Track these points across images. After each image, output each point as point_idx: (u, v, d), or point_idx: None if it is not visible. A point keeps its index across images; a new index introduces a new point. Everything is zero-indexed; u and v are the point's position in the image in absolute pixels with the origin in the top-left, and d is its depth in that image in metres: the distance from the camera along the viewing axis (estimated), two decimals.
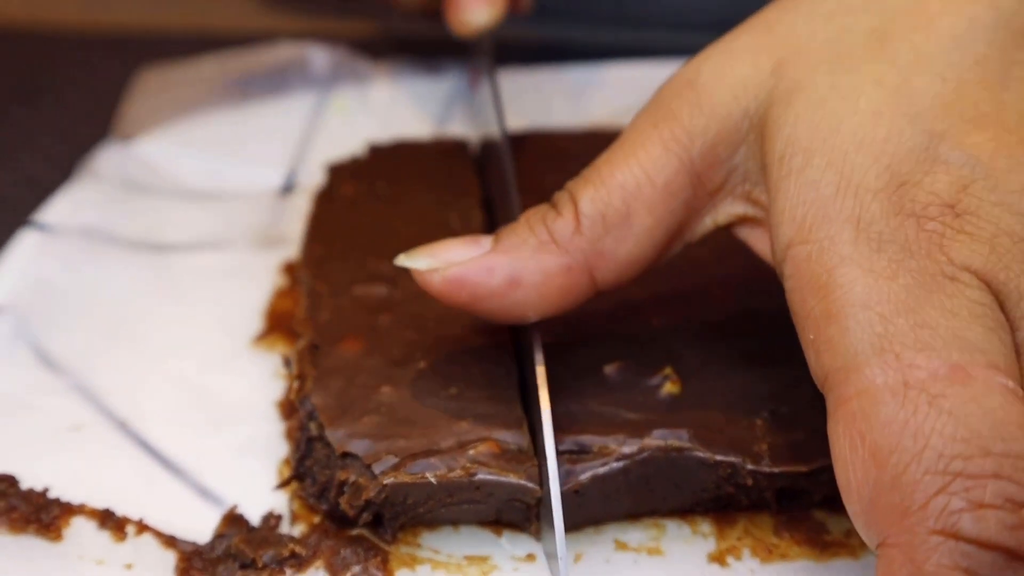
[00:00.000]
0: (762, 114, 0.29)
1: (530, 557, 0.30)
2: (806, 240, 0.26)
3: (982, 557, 0.22)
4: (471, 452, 0.30)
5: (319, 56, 0.55)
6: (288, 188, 0.49)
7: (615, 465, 0.30)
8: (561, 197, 0.32)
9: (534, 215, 0.31)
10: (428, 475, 0.30)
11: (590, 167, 0.32)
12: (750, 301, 0.36)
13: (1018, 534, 0.22)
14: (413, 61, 0.56)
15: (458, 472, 0.30)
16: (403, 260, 0.31)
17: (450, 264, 0.30)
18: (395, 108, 0.54)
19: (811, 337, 0.26)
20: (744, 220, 0.31)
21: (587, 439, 0.31)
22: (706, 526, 0.31)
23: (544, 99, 0.56)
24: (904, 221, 0.25)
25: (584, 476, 0.30)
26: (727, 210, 0.31)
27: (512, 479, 0.30)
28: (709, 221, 0.31)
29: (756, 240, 0.31)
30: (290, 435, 0.35)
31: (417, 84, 0.55)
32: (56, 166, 0.53)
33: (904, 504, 0.22)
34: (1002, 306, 0.25)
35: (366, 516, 0.30)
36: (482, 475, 0.30)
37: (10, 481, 0.29)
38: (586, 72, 0.57)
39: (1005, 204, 0.25)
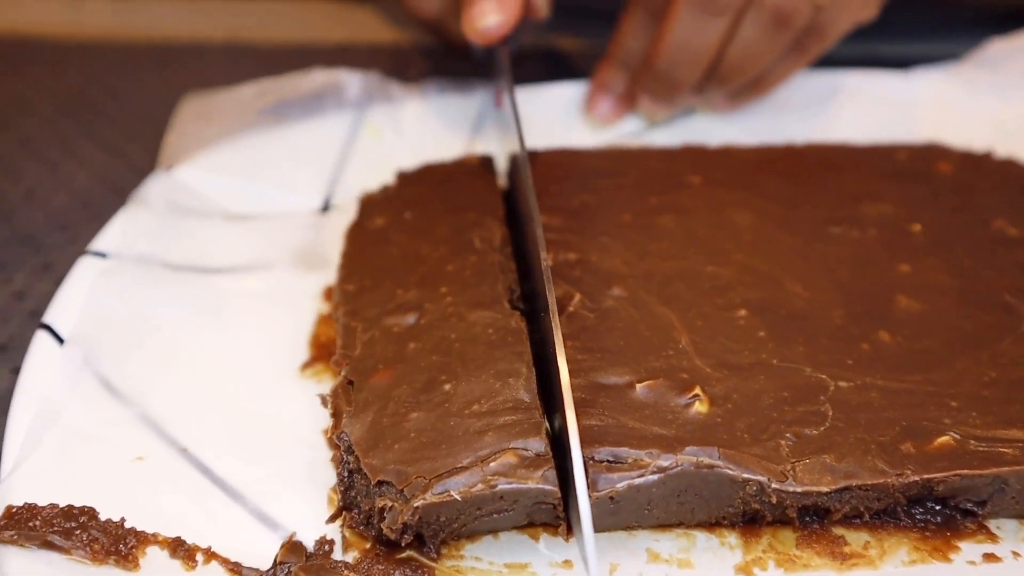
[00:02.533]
0: None
1: (567, 563, 0.33)
2: None
3: None
4: (491, 465, 0.32)
5: (353, 81, 0.57)
6: (326, 208, 0.51)
7: (650, 477, 0.32)
8: None
9: None
10: (453, 493, 0.32)
11: None
12: (777, 327, 0.38)
13: None
14: (443, 81, 0.58)
15: (480, 486, 0.32)
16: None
17: None
18: (426, 127, 0.56)
19: None
20: None
21: (622, 451, 0.33)
22: (732, 538, 0.34)
23: (567, 114, 0.58)
24: None
25: (620, 484, 0.32)
26: None
27: (531, 485, 0.32)
28: None
29: None
30: (336, 462, 0.37)
31: (447, 103, 0.57)
32: (100, 176, 0.56)
33: None
34: None
35: (408, 537, 0.32)
36: (503, 485, 0.32)
37: (91, 514, 0.32)
38: None
39: None
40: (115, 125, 0.62)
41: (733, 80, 0.52)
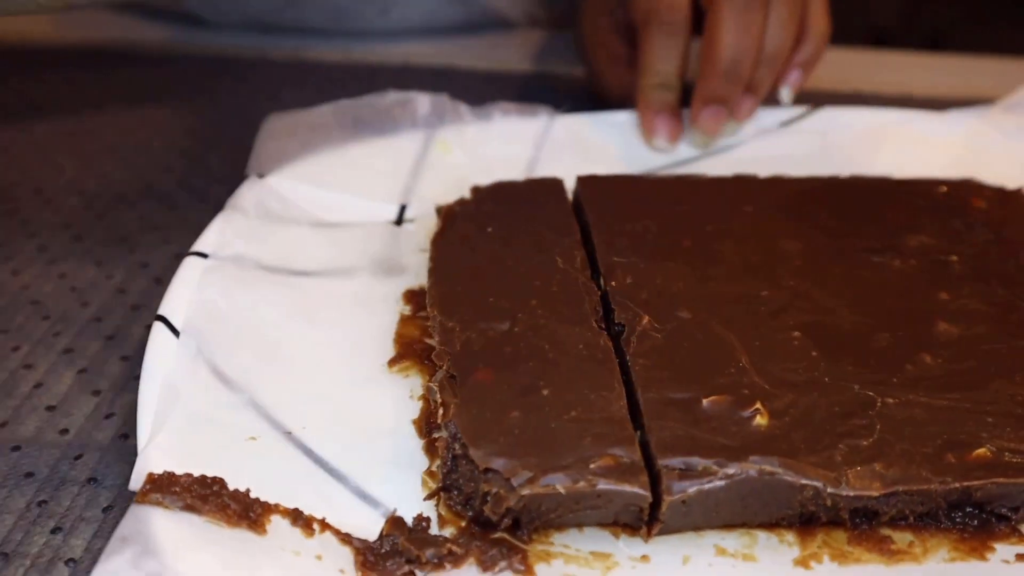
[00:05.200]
0: None
1: (644, 558, 0.36)
2: None
3: None
4: (592, 466, 0.36)
5: (424, 101, 0.61)
6: (400, 220, 0.55)
7: (718, 483, 0.36)
8: None
9: None
10: (558, 486, 0.36)
11: None
12: (828, 347, 0.42)
13: None
14: (508, 104, 0.62)
15: (583, 484, 0.36)
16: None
17: None
18: (492, 146, 0.60)
19: None
20: None
21: (693, 460, 0.37)
22: (790, 536, 0.37)
23: (623, 140, 0.62)
24: None
25: (691, 489, 0.36)
26: None
27: (628, 488, 0.36)
28: None
29: None
30: (427, 450, 0.41)
31: (511, 125, 0.61)
32: (184, 182, 0.60)
33: None
34: None
35: (507, 521, 0.36)
36: (603, 485, 0.36)
37: (221, 483, 0.36)
38: None
39: None
40: (194, 135, 0.66)
41: (769, 78, 0.58)
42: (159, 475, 0.35)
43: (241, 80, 0.74)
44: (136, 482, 0.35)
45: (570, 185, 0.55)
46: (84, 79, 0.73)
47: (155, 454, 0.36)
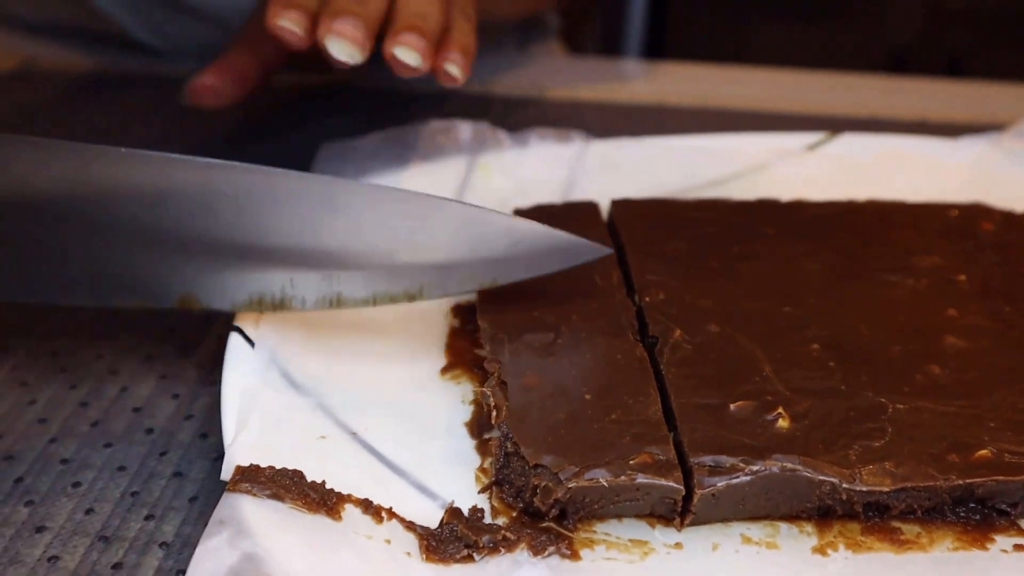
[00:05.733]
0: None
1: (678, 545, 0.41)
2: None
3: None
4: (632, 462, 0.40)
5: (465, 129, 0.65)
6: None
7: (744, 478, 0.40)
8: None
9: None
10: (601, 480, 0.40)
11: None
12: (844, 359, 0.46)
13: None
14: (544, 130, 0.67)
15: (624, 478, 0.40)
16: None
17: None
18: (529, 170, 0.64)
19: None
20: None
21: (721, 458, 0.41)
22: (809, 527, 0.41)
23: (652, 165, 0.66)
24: None
25: (720, 484, 0.40)
26: None
27: (664, 482, 0.40)
28: None
29: None
30: (479, 449, 0.45)
31: (547, 149, 0.66)
32: None
33: None
34: None
35: (554, 511, 0.40)
36: (641, 479, 0.40)
37: (300, 475, 0.40)
38: (690, 141, 0.67)
39: None
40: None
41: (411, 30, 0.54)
42: (246, 467, 0.39)
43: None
44: (226, 473, 0.40)
45: (604, 205, 0.59)
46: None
47: (240, 450, 0.41)
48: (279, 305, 0.45)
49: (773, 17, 1.83)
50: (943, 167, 0.66)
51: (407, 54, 0.53)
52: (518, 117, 0.69)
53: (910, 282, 0.52)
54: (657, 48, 1.54)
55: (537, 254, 0.47)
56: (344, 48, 0.52)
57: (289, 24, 0.53)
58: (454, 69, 0.55)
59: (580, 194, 0.62)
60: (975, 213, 0.59)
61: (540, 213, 0.58)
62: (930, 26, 1.88)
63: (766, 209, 0.59)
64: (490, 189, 0.63)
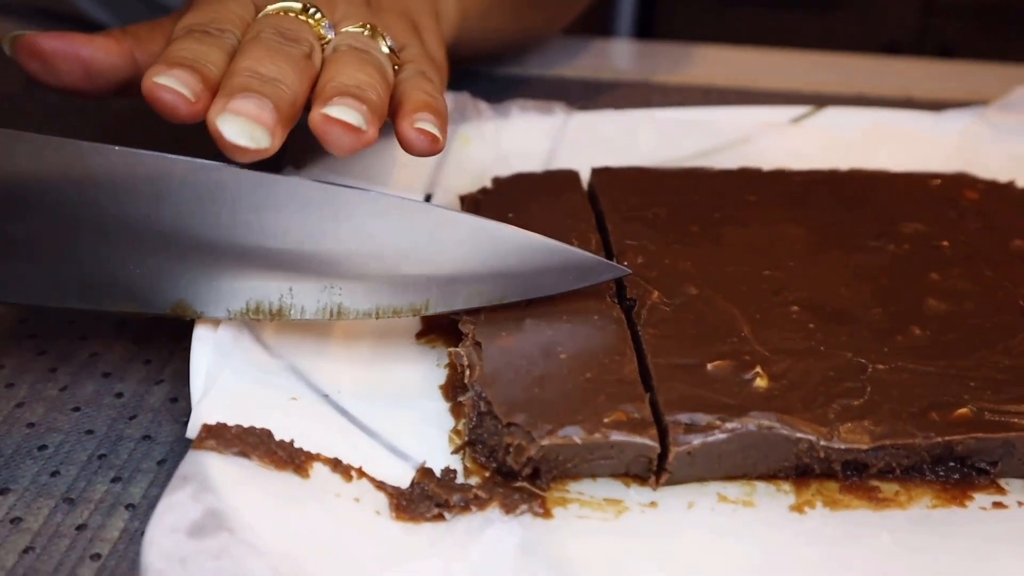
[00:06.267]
0: None
1: (653, 504, 0.40)
2: None
3: None
4: (606, 420, 0.39)
5: (446, 99, 0.64)
6: None
7: (720, 436, 0.39)
8: None
9: None
10: (575, 437, 0.39)
11: None
12: (824, 320, 0.46)
13: None
14: (525, 101, 0.66)
15: (597, 435, 0.39)
16: None
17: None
18: (510, 140, 0.64)
19: None
20: None
21: (698, 416, 0.40)
22: (787, 486, 0.41)
23: (635, 136, 0.65)
24: None
25: (696, 442, 0.39)
26: None
27: (639, 439, 0.39)
28: None
29: None
30: (453, 412, 0.44)
31: (528, 120, 0.65)
32: None
33: None
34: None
35: (527, 470, 0.40)
36: (616, 437, 0.39)
37: (268, 434, 0.39)
38: (673, 113, 0.67)
39: None
40: None
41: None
42: (213, 425, 0.39)
43: None
44: (192, 431, 0.39)
45: (585, 177, 0.58)
46: None
47: (208, 408, 0.40)
48: (276, 314, 0.43)
49: (764, 6, 1.82)
50: (928, 140, 0.66)
51: (345, 112, 0.42)
52: (501, 95, 0.69)
53: (892, 247, 0.52)
54: (645, 36, 1.53)
55: (551, 271, 0.44)
56: (242, 128, 0.40)
57: (175, 84, 0.41)
58: (428, 125, 0.45)
59: (562, 165, 0.61)
60: (959, 182, 0.58)
61: (520, 181, 0.57)
62: (922, 16, 1.88)
63: (749, 177, 0.58)
64: (469, 159, 0.62)
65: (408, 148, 0.46)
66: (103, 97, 0.50)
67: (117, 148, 0.40)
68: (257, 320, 0.44)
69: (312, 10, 0.47)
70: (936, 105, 0.72)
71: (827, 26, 1.82)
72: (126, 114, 0.66)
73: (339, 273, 0.43)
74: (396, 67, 0.49)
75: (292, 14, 0.47)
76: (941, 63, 0.88)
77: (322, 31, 0.48)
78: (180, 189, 0.41)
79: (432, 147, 0.45)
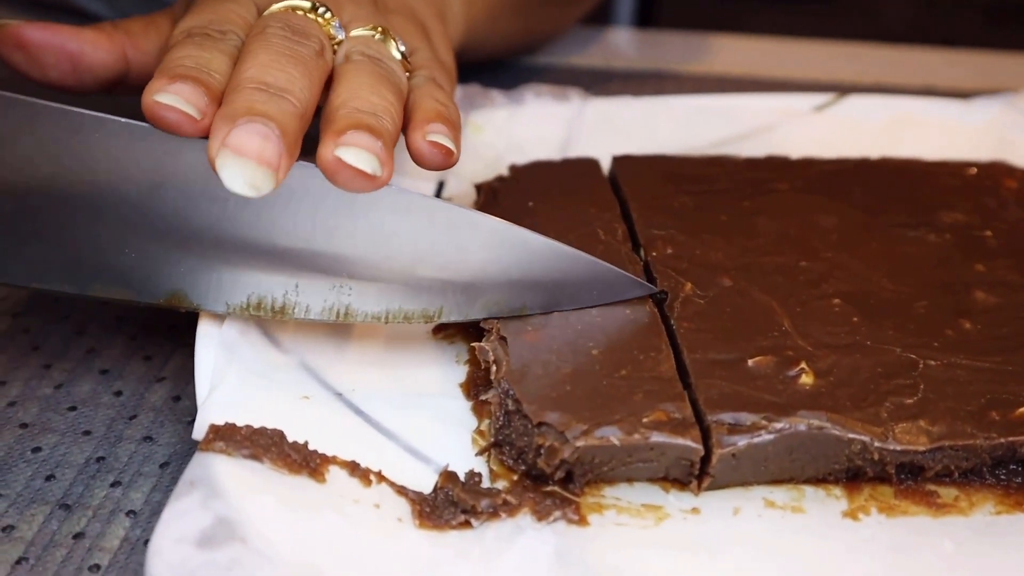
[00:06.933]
0: None
1: (695, 510, 0.37)
2: None
3: None
4: (645, 420, 0.37)
5: (455, 91, 0.61)
6: (438, 195, 0.56)
7: (767, 437, 0.37)
8: None
9: None
10: (612, 438, 0.36)
11: None
12: (868, 314, 0.43)
13: None
14: (540, 87, 0.63)
15: (637, 436, 0.36)
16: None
17: None
18: (525, 128, 0.61)
19: None
20: None
21: (741, 415, 0.37)
22: (837, 491, 0.38)
23: (653, 124, 0.63)
24: None
25: (741, 443, 0.37)
26: None
27: (681, 441, 0.36)
28: None
29: None
30: (476, 410, 0.42)
31: (543, 107, 0.62)
32: None
33: None
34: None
35: (560, 474, 0.37)
36: (656, 438, 0.36)
37: (281, 435, 0.36)
38: (693, 100, 0.64)
39: None
40: None
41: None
42: (222, 425, 0.36)
43: None
44: (199, 432, 0.36)
45: (604, 165, 0.55)
46: None
47: (215, 407, 0.37)
48: (279, 311, 0.40)
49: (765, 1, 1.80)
50: (956, 129, 0.63)
51: (359, 156, 0.38)
52: (512, 84, 0.66)
53: (932, 238, 0.49)
54: (645, 25, 1.51)
55: (575, 284, 0.42)
56: (243, 172, 0.36)
57: (177, 102, 0.37)
58: (441, 138, 0.42)
59: (578, 152, 0.59)
60: (996, 171, 0.56)
61: (538, 169, 0.54)
62: (922, 12, 1.86)
63: (776, 165, 0.55)
64: (484, 146, 0.59)
65: (419, 161, 0.42)
66: (89, 93, 0.47)
67: (122, 120, 0.37)
68: (257, 316, 0.41)
69: (321, 9, 0.44)
70: (958, 94, 0.69)
71: (825, 18, 1.80)
72: (127, 104, 0.63)
73: (350, 272, 0.40)
74: (407, 74, 0.46)
75: (300, 12, 0.43)
76: (961, 52, 0.86)
77: (332, 31, 0.44)
78: (186, 170, 0.38)
79: (445, 161, 0.42)
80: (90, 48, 0.46)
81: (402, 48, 0.46)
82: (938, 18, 1.87)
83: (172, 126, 0.37)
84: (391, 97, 0.41)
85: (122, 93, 0.49)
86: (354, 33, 0.45)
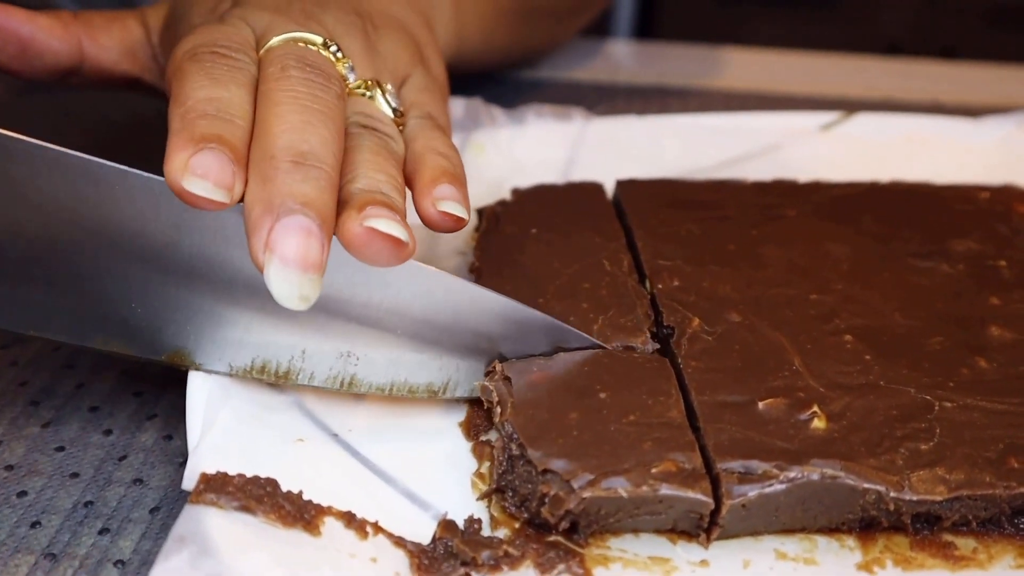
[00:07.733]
0: None
1: (704, 563, 0.36)
2: None
3: None
4: (654, 470, 0.35)
5: (457, 105, 0.60)
6: None
7: (778, 486, 0.35)
8: None
9: None
10: (620, 490, 0.35)
11: None
12: (881, 351, 0.42)
13: None
14: (541, 107, 0.62)
15: (645, 488, 0.35)
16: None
17: None
18: (526, 148, 0.60)
19: None
20: None
21: (752, 463, 0.36)
22: (851, 541, 0.37)
23: (658, 144, 0.61)
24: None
25: (752, 493, 0.35)
26: None
27: (691, 494, 0.35)
28: None
29: None
30: (476, 452, 0.40)
31: (545, 127, 0.61)
32: None
33: None
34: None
35: (564, 524, 0.36)
36: (665, 490, 0.35)
37: (274, 485, 0.35)
38: (698, 119, 0.63)
39: None
40: None
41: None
42: (213, 475, 0.35)
43: None
44: (189, 482, 0.35)
45: (607, 187, 0.54)
46: None
47: (206, 454, 0.36)
48: (283, 376, 0.39)
49: (760, 4, 1.79)
50: (966, 148, 0.62)
51: (389, 224, 0.35)
52: (513, 98, 0.65)
53: (946, 268, 0.48)
54: (644, 35, 1.49)
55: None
56: (292, 281, 0.33)
57: (207, 191, 0.34)
58: (452, 206, 0.40)
59: (581, 174, 0.58)
60: (1008, 195, 0.55)
61: (541, 193, 0.53)
62: (923, 16, 1.84)
63: (784, 190, 0.54)
64: (485, 168, 0.58)
65: (431, 227, 0.40)
66: (38, 81, 0.46)
67: (144, 175, 0.35)
68: (259, 379, 0.40)
69: (333, 47, 0.41)
70: (965, 110, 0.68)
71: (825, 26, 1.78)
72: (123, 125, 0.62)
73: (360, 342, 0.39)
74: (401, 127, 0.43)
75: (313, 47, 0.41)
76: (967, 65, 0.84)
77: (343, 70, 0.41)
78: (203, 229, 0.36)
79: (456, 227, 0.40)
80: (43, 35, 0.45)
81: (395, 104, 0.43)
82: (939, 22, 1.85)
83: (201, 207, 0.34)
84: (393, 171, 0.39)
85: (75, 84, 0.48)
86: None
